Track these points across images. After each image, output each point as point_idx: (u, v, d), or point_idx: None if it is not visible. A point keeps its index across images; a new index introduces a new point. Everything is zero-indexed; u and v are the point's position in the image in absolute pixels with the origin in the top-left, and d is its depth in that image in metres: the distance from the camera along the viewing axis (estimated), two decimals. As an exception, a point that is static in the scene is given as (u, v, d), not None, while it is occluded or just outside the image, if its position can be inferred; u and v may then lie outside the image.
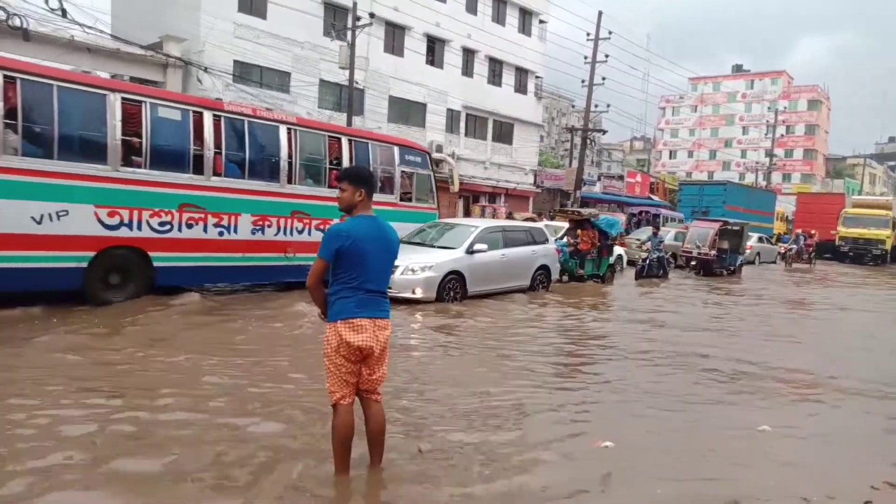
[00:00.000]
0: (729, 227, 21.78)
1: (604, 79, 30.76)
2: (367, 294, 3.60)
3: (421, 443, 4.38)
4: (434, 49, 30.81)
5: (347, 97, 23.52)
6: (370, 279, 3.61)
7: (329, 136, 11.56)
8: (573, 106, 74.51)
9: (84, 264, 8.44)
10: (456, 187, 16.61)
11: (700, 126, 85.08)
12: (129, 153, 8.88)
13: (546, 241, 13.50)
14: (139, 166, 8.94)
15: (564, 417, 5.30)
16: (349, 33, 22.94)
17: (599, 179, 45.45)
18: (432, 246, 11.40)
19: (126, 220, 8.79)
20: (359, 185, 3.69)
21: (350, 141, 11.80)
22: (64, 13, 14.47)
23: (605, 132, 38.55)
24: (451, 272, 10.75)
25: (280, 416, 4.80)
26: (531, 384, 6.22)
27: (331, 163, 11.44)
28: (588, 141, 32.98)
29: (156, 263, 9.13)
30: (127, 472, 3.74)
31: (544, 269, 13.17)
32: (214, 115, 9.81)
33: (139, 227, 8.92)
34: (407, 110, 29.76)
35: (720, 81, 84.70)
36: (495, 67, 33.99)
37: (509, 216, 27.77)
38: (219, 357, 6.49)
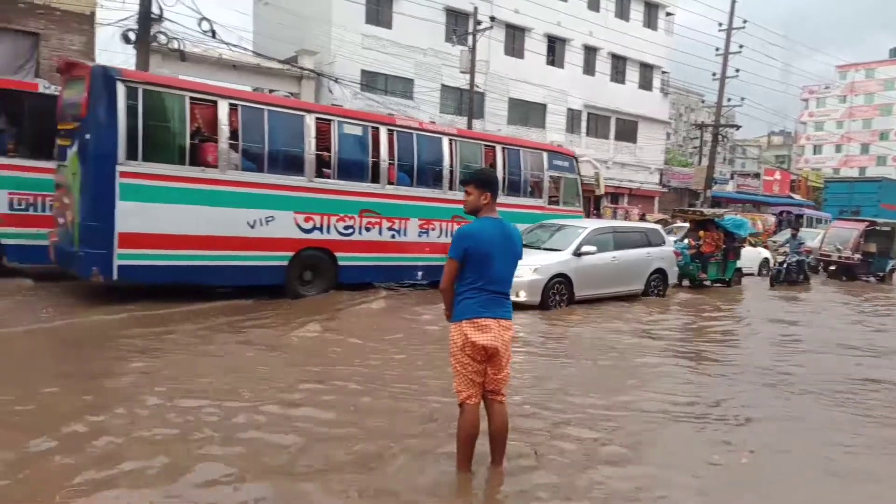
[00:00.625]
0: (878, 228, 19.60)
1: (737, 71, 28.94)
2: (491, 294, 3.69)
3: (538, 447, 4.38)
4: (554, 49, 30.48)
5: (468, 101, 23.86)
6: (494, 280, 3.69)
7: (485, 145, 12.36)
8: (703, 101, 70.58)
9: (285, 263, 9.65)
10: (602, 190, 16.39)
11: (850, 117, 77.45)
12: (321, 166, 10.02)
13: (662, 242, 12.79)
14: (328, 177, 10.10)
15: (699, 437, 5.07)
16: (470, 38, 23.27)
17: (732, 178, 42.79)
18: (539, 248, 11.11)
19: (318, 225, 9.97)
20: (484, 188, 3.79)
21: (503, 149, 12.47)
22: (213, 34, 15.87)
23: (738, 127, 36.25)
24: (556, 275, 10.40)
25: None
26: (641, 393, 6.00)
27: None
28: (719, 137, 31.15)
29: (340, 263, 10.24)
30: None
31: (660, 273, 12.48)
32: (388, 129, 10.81)
33: (328, 231, 10.09)
34: (527, 112, 29.67)
35: (874, 68, 76.62)
36: (618, 64, 33.02)
37: (642, 218, 26.83)
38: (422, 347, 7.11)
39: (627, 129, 33.87)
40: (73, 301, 8.48)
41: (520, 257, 3.89)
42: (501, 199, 12.49)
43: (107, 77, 8.09)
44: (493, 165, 12.14)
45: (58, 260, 8.96)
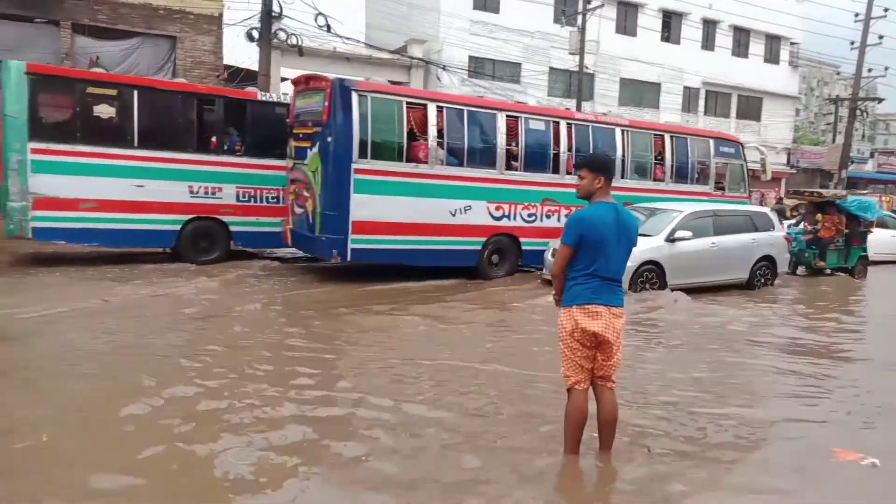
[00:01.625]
0: None
1: (881, 38, 26.19)
2: (603, 281, 3.64)
3: (648, 441, 4.28)
4: (670, 24, 29.04)
5: (577, 83, 23.33)
6: (607, 266, 3.64)
7: (654, 134, 12.69)
8: (838, 73, 64.52)
9: (479, 247, 10.70)
10: (768, 175, 15.66)
11: None
12: (509, 159, 10.87)
13: (771, 227, 11.74)
14: (516, 169, 10.90)
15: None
16: (580, 18, 22.69)
17: (872, 156, 39.00)
18: None
19: (506, 213, 10.87)
20: (598, 172, 3.73)
21: (671, 137, 12.72)
22: (328, 28, 16.55)
23: (880, 100, 32.84)
24: (646, 262, 9.78)
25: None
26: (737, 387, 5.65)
27: (655, 158, 12.50)
28: (858, 112, 28.43)
29: (523, 247, 11.11)
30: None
31: (767, 261, 11.45)
32: (567, 123, 11.47)
33: (514, 218, 10.96)
34: (640, 92, 28.56)
35: None
36: (741, 37, 30.92)
37: (779, 202, 25.12)
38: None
39: (750, 107, 31.70)
40: (309, 277, 10.25)
41: (634, 244, 3.81)
42: (669, 185, 12.40)
43: (344, 88, 9.38)
44: (661, 154, 12.48)
45: (294, 243, 10.58)
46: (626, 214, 3.77)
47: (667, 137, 12.61)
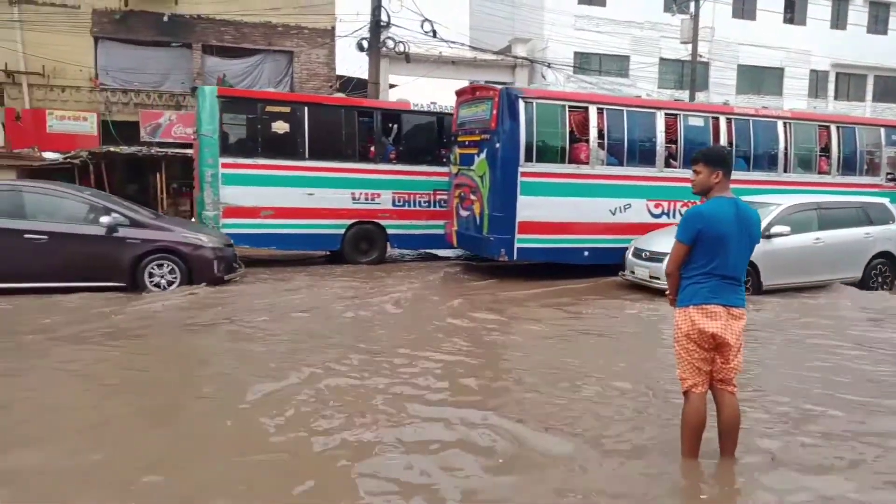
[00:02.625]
0: None
1: None
2: (722, 280, 3.49)
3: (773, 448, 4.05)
4: (794, 4, 27.01)
5: (690, 72, 22.30)
6: (726, 264, 3.49)
7: (819, 125, 12.21)
8: None
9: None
10: None
11: None
12: (668, 156, 10.94)
13: (890, 220, 10.40)
14: (674, 167, 10.88)
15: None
16: (692, 4, 21.67)
17: None
18: None
19: (665, 210, 10.86)
20: (715, 166, 3.59)
21: (838, 127, 12.20)
22: (434, 34, 16.91)
23: None
24: None
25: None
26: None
27: (821, 150, 12.07)
28: None
29: None
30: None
31: (886, 258, 10.18)
32: (727, 118, 11.32)
33: (673, 215, 10.76)
34: (759, 78, 26.79)
35: None
36: (878, 11, 28.19)
37: None
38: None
39: (889, 88, 28.82)
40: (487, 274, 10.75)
41: (757, 241, 3.64)
42: (836, 178, 11.91)
43: (512, 96, 9.84)
44: (827, 145, 12.02)
45: (460, 244, 11.18)
46: (748, 209, 3.59)
47: (833, 128, 12.05)
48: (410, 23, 17.07)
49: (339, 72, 19.47)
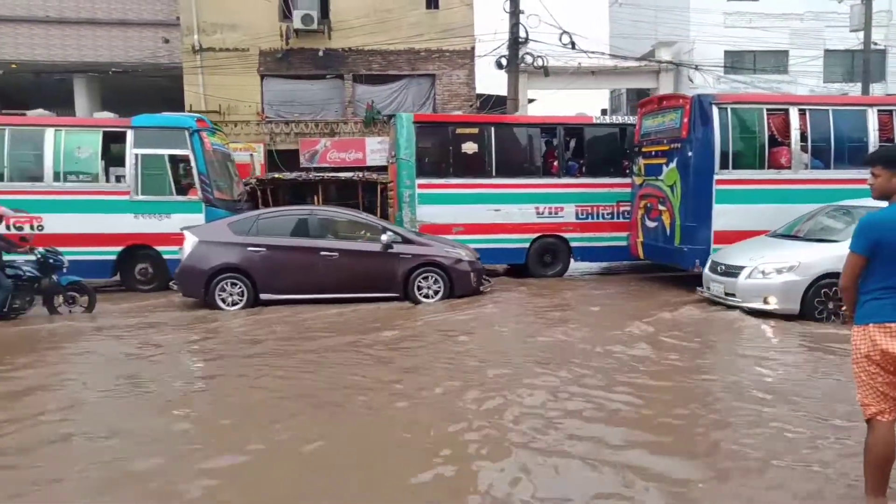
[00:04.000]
0: None
1: None
2: (907, 295, 3.14)
3: None
4: None
5: (863, 63, 20.12)
6: (913, 277, 3.13)
7: None
8: None
9: None
10: None
11: None
12: None
13: None
14: None
15: None
16: (863, -12, 19.59)
17: None
18: (807, 239, 8.56)
19: None
20: (895, 168, 3.26)
21: None
22: (573, 45, 16.77)
23: None
24: (824, 275, 7.69)
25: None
26: None
27: None
28: None
29: None
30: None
31: None
32: None
33: None
34: (949, 64, 23.54)
35: None
36: None
37: None
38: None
39: None
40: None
41: None
42: None
43: (705, 103, 9.70)
44: None
45: (647, 255, 11.08)
46: (937, 217, 3.20)
47: None
48: (548, 36, 17.04)
49: (478, 90, 19.91)
